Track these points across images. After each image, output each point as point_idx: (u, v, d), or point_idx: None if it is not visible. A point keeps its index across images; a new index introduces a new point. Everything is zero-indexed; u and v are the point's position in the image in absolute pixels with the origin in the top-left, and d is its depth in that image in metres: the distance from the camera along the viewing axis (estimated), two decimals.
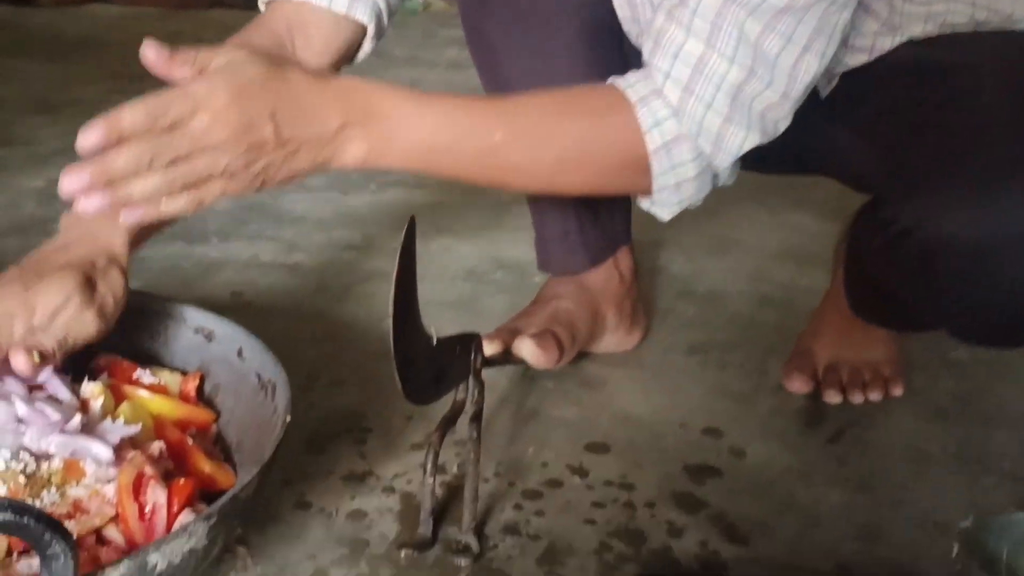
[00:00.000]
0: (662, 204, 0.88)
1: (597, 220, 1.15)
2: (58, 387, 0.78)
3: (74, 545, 0.51)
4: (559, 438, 1.02)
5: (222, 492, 0.77)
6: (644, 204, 0.90)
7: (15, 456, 0.68)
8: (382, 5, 0.95)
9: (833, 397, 1.10)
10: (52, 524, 0.50)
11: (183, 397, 0.85)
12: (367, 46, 0.97)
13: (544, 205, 1.15)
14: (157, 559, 0.59)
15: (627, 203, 1.17)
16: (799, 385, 1.11)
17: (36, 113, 2.12)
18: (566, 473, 0.96)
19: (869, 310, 1.09)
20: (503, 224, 1.62)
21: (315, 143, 0.77)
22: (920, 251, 0.81)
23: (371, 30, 0.95)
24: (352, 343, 1.21)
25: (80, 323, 0.77)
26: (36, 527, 0.49)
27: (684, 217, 1.69)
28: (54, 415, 0.72)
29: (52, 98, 2.24)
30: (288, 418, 0.73)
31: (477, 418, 0.87)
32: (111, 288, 0.80)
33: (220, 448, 0.84)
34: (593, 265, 1.14)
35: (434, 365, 0.81)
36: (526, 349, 1.02)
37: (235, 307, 1.28)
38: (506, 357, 1.05)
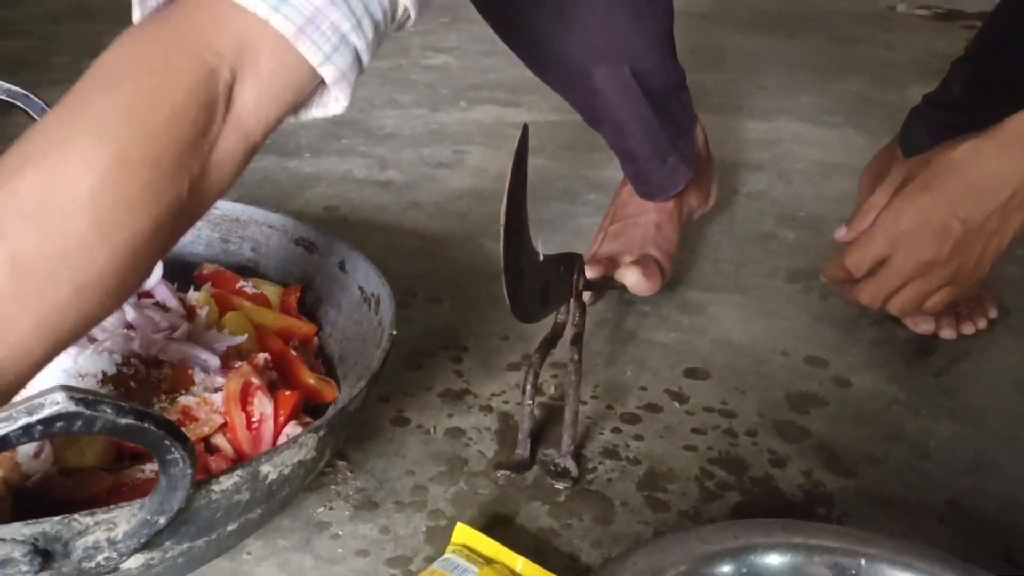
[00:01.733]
0: None
1: (679, 127, 1.10)
2: (165, 294, 0.78)
3: (192, 450, 0.51)
4: (657, 362, 1.00)
5: (325, 404, 0.78)
6: None
7: (126, 362, 0.69)
8: (360, 47, 0.60)
9: (950, 333, 1.05)
10: (172, 429, 0.50)
11: (284, 309, 0.85)
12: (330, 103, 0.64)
13: (633, 144, 1.07)
14: (268, 469, 0.59)
15: (683, 79, 1.11)
16: (926, 327, 1.06)
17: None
18: (664, 398, 0.95)
19: None
20: (594, 144, 1.58)
21: (1007, 206, 0.79)
22: None
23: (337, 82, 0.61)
24: (446, 260, 1.20)
25: None
26: (156, 432, 0.49)
27: (784, 141, 1.64)
28: (163, 322, 0.72)
29: None
30: (394, 332, 0.72)
31: (578, 340, 0.86)
32: None
33: (322, 361, 0.83)
34: (691, 169, 1.10)
35: (540, 283, 0.79)
36: (630, 278, 1.00)
37: (329, 221, 1.27)
38: (606, 282, 1.03)
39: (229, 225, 0.92)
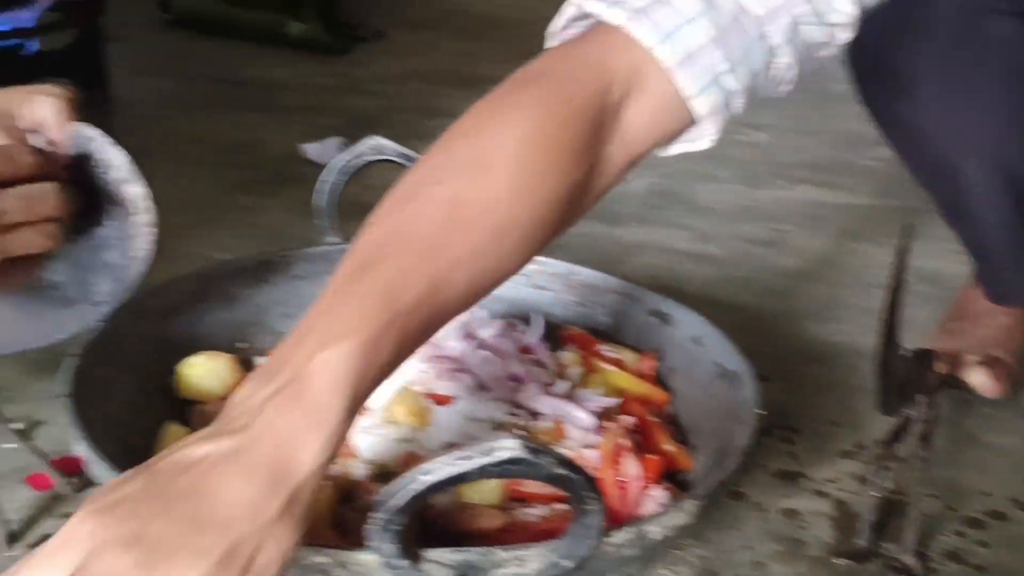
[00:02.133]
0: None
1: None
2: (543, 352, 0.84)
3: (603, 503, 0.56)
4: (1000, 467, 0.97)
5: (677, 471, 0.81)
6: None
7: (513, 411, 0.75)
8: (733, 88, 0.65)
9: None
10: (592, 481, 0.54)
11: (640, 375, 0.89)
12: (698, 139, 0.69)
13: (991, 246, 1.05)
14: (655, 529, 0.62)
15: None
16: None
17: (454, 86, 2.28)
18: (1010, 506, 0.91)
19: None
20: (920, 232, 1.55)
21: None
22: None
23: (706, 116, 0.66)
24: (768, 339, 1.21)
25: None
26: (584, 484, 0.54)
27: None
28: (544, 377, 0.78)
29: (464, 72, 2.39)
30: (762, 412, 0.74)
31: (926, 437, 0.85)
32: None
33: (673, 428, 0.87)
34: None
35: (901, 377, 0.80)
36: (977, 378, 0.99)
37: (653, 291, 1.31)
38: (952, 380, 1.01)
39: (584, 290, 0.98)
